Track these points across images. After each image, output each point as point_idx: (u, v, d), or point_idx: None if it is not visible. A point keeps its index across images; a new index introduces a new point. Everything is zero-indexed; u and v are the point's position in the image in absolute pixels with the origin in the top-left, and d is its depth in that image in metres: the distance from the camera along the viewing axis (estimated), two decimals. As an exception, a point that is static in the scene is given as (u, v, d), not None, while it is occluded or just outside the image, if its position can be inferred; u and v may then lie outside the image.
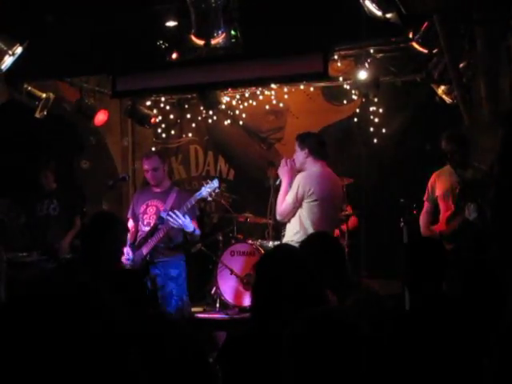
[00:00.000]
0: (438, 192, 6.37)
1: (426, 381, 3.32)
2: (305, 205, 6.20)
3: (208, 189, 6.23)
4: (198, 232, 6.59)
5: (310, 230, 6.05)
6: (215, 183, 6.24)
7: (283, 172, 6.35)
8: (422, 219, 6.56)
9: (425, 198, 6.57)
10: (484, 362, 3.59)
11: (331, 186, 6.46)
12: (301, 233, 6.15)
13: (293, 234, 6.25)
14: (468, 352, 3.48)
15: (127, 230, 5.19)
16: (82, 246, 4.69)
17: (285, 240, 6.47)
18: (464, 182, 5.91)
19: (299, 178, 6.24)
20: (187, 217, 6.34)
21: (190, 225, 6.35)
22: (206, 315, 7.74)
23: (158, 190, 6.72)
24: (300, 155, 6.38)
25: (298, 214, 6.24)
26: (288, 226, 6.43)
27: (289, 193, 6.22)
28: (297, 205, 6.20)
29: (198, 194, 6.29)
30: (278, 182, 6.57)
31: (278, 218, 6.47)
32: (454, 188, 6.20)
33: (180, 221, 6.23)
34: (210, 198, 6.33)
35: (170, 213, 6.28)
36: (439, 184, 6.39)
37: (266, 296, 3.10)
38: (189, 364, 2.18)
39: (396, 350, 3.41)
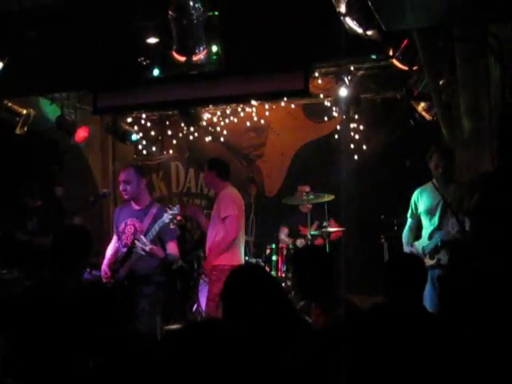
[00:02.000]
0: (422, 208, 6.39)
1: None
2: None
3: (170, 216, 6.08)
4: (172, 256, 6.35)
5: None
6: (176, 210, 6.10)
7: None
8: (405, 235, 6.57)
9: (408, 215, 6.58)
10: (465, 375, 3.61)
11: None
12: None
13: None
14: (448, 364, 3.48)
15: (92, 244, 5.05)
16: (52, 258, 4.64)
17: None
18: (448, 197, 5.94)
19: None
20: (156, 242, 6.18)
21: (158, 252, 6.17)
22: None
23: (137, 207, 6.44)
24: (208, 175, 7.42)
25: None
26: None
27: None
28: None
29: (160, 221, 6.12)
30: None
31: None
32: (437, 203, 6.23)
33: (147, 248, 6.06)
34: (172, 226, 6.20)
35: (138, 239, 6.12)
36: (422, 200, 6.41)
37: (235, 315, 3.11)
38: None
39: (377, 365, 3.40)
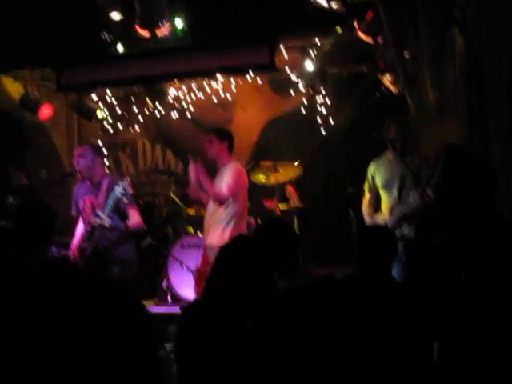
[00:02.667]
0: (379, 182, 6.38)
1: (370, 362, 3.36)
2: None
3: (121, 190, 6.03)
4: (134, 225, 6.26)
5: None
6: (125, 183, 6.06)
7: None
8: (365, 209, 6.55)
9: (365, 188, 6.58)
10: (431, 344, 3.67)
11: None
12: (232, 222, 6.66)
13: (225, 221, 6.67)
14: (414, 335, 3.54)
15: (54, 220, 4.99)
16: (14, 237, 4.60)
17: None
18: (408, 169, 5.95)
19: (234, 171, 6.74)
20: (113, 215, 6.14)
21: (118, 224, 6.15)
22: (157, 309, 7.70)
23: (90, 182, 6.42)
24: (218, 146, 6.87)
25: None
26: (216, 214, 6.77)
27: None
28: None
29: (112, 194, 6.08)
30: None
31: (217, 201, 6.75)
32: (394, 176, 6.23)
33: (106, 224, 6.03)
34: (125, 200, 6.13)
35: (96, 215, 6.08)
36: (379, 173, 6.40)
37: (223, 285, 3.13)
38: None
39: (343, 333, 3.44)
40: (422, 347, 3.58)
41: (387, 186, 6.28)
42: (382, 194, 6.36)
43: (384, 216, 6.25)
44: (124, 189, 5.94)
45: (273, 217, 7.99)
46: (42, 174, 8.96)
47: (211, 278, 3.33)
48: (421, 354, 3.52)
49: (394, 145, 6.15)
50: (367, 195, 6.53)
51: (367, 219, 6.46)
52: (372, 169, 6.43)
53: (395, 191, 6.20)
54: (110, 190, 6.06)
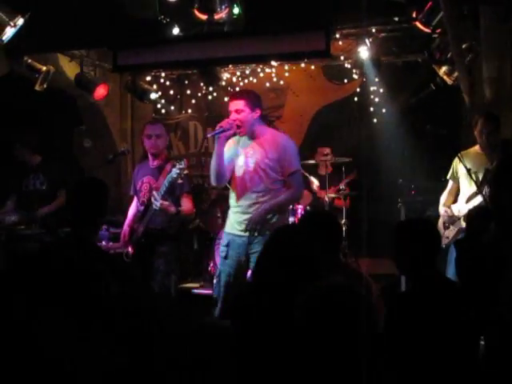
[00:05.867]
0: (462, 171, 6.29)
1: (425, 362, 3.34)
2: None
3: (177, 170, 6.04)
4: (185, 213, 6.27)
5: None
6: (182, 164, 6.05)
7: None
8: (443, 197, 6.51)
9: (448, 177, 6.51)
10: (481, 342, 3.64)
11: None
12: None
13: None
14: (466, 332, 3.51)
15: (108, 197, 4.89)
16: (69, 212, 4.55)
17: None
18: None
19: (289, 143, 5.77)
20: (168, 198, 6.15)
21: (169, 207, 6.14)
22: (202, 291, 7.76)
23: (154, 164, 6.45)
24: (251, 116, 5.76)
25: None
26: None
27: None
28: None
29: (168, 176, 6.09)
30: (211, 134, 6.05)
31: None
32: (479, 169, 6.11)
33: (158, 204, 6.03)
34: (180, 181, 6.12)
35: (153, 196, 6.10)
36: (463, 163, 6.29)
37: (272, 273, 3.16)
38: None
39: (394, 331, 3.44)
40: (470, 344, 3.56)
41: (467, 177, 6.19)
42: (462, 184, 6.29)
43: (459, 206, 6.20)
44: (180, 169, 5.97)
45: (322, 208, 7.94)
46: (86, 142, 9.07)
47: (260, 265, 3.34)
48: (469, 351, 3.50)
49: (479, 140, 6.08)
50: (449, 183, 6.48)
51: (440, 206, 6.42)
52: (458, 158, 6.34)
53: (473, 183, 6.08)
54: (169, 172, 6.11)
